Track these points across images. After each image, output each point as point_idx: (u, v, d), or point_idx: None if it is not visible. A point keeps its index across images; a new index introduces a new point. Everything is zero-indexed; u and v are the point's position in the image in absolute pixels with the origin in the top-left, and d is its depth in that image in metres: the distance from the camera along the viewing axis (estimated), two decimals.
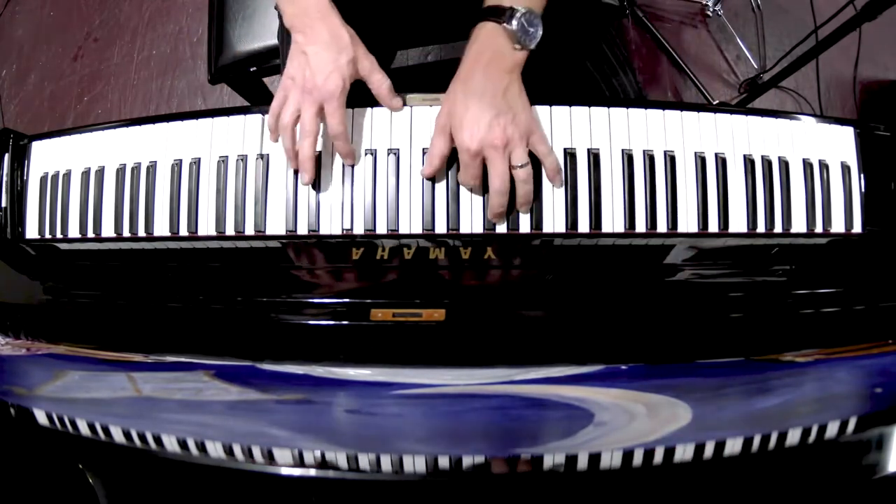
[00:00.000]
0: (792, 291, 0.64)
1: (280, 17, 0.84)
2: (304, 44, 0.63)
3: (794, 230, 0.67)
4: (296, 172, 0.67)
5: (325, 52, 0.63)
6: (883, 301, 0.63)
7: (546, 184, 0.67)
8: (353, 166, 0.68)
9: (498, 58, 0.61)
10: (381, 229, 0.67)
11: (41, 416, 0.50)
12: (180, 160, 0.71)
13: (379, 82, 0.66)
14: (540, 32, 0.61)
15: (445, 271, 0.64)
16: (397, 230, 0.67)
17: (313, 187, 0.68)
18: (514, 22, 0.60)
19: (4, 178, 0.75)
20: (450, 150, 0.64)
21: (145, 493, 0.45)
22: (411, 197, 0.67)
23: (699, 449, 0.44)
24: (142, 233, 0.71)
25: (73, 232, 0.73)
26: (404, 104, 0.68)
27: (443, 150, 0.64)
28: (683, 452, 0.43)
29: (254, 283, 0.67)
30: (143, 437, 0.47)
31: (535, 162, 0.65)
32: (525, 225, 0.67)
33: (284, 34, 0.83)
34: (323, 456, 0.45)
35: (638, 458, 0.43)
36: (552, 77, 0.83)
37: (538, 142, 0.64)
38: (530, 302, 0.63)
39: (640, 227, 0.67)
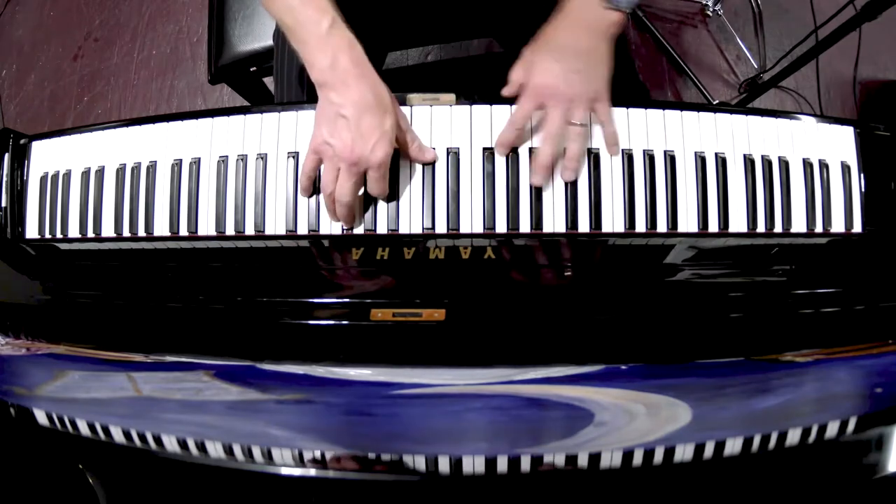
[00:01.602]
0: (792, 291, 0.64)
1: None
2: (341, 106, 0.58)
3: (794, 230, 0.67)
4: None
5: (368, 118, 0.58)
6: (883, 301, 0.62)
7: (546, 184, 0.67)
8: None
9: (585, 16, 0.60)
10: (381, 229, 0.67)
11: (41, 416, 0.50)
12: (180, 160, 0.71)
13: (411, 140, 0.64)
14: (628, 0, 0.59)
15: (445, 271, 0.64)
16: (397, 230, 0.67)
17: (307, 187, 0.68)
18: None
19: (4, 178, 0.75)
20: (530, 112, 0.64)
21: (145, 493, 0.45)
22: (411, 197, 0.67)
23: (699, 449, 0.44)
24: (142, 233, 0.71)
25: (73, 232, 0.73)
26: (436, 157, 0.66)
27: (527, 112, 0.62)
28: (683, 452, 0.43)
29: (254, 283, 0.67)
30: (143, 437, 0.47)
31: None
32: (525, 225, 0.67)
33: (281, 36, 0.83)
34: (323, 456, 0.45)
35: (638, 458, 0.43)
36: None
37: (601, 108, 0.63)
38: (530, 302, 0.63)
39: (640, 227, 0.67)
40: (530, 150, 0.67)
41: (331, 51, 0.58)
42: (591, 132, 0.66)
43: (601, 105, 0.64)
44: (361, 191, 0.65)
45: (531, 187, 0.67)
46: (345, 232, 0.67)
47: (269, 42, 1.00)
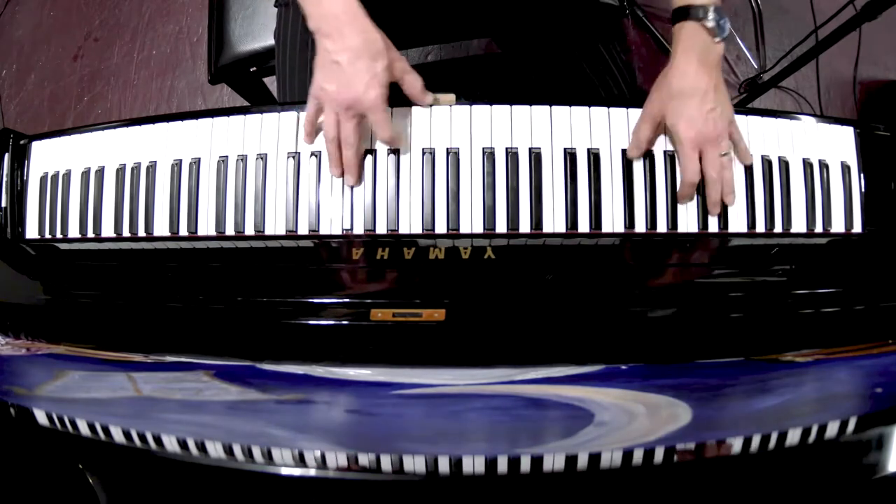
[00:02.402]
0: (792, 291, 0.64)
1: (280, 18, 0.84)
2: (335, 52, 0.61)
3: (793, 230, 0.67)
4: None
5: (359, 61, 0.60)
6: (883, 301, 0.62)
7: (546, 184, 0.67)
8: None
9: (705, 54, 0.63)
10: (381, 229, 0.67)
11: (41, 416, 0.50)
12: (180, 160, 0.71)
13: (412, 83, 0.65)
14: (729, 25, 0.63)
15: (445, 271, 0.64)
16: (397, 230, 0.67)
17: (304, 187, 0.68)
18: (711, 16, 0.62)
19: (4, 178, 0.75)
20: (654, 138, 0.67)
21: (145, 493, 0.45)
22: (411, 197, 0.67)
23: (699, 449, 0.44)
24: (142, 233, 0.71)
25: (73, 232, 0.73)
26: (435, 101, 0.68)
27: (649, 136, 0.66)
28: (683, 452, 0.43)
29: (254, 283, 0.67)
30: (143, 437, 0.47)
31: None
32: (525, 225, 0.67)
33: (281, 35, 0.84)
34: (323, 456, 0.45)
35: (638, 458, 0.43)
36: (552, 77, 0.83)
37: (735, 132, 0.66)
38: (530, 302, 0.63)
39: (640, 227, 0.67)
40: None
41: (324, 0, 0.61)
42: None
43: (734, 128, 0.66)
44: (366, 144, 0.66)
45: (531, 187, 0.67)
46: (344, 232, 0.67)
47: (270, 42, 1.00)
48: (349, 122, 0.63)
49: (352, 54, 0.60)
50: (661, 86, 0.66)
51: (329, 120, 0.64)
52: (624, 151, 0.68)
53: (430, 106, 0.67)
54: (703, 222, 0.67)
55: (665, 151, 0.68)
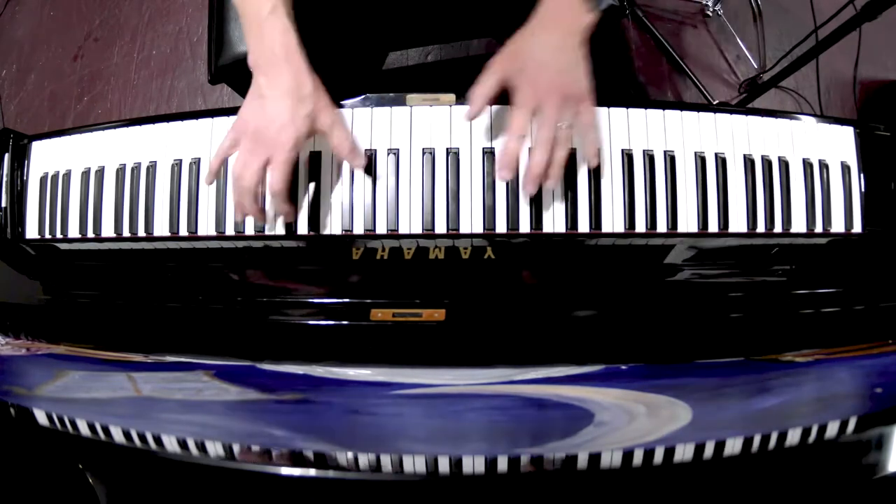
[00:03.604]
0: (792, 291, 0.64)
1: None
2: (265, 87, 0.60)
3: (794, 230, 0.67)
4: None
5: (283, 101, 0.59)
6: (883, 301, 0.63)
7: (546, 184, 0.67)
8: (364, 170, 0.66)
9: (571, 17, 0.61)
10: (381, 229, 0.67)
11: (41, 416, 0.50)
12: (180, 160, 0.71)
13: (340, 137, 0.63)
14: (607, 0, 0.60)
15: (445, 271, 0.64)
16: (397, 230, 0.67)
17: (303, 187, 0.68)
18: None
19: (4, 178, 0.75)
20: (497, 94, 0.62)
21: (145, 493, 0.45)
22: (411, 197, 0.67)
23: (699, 449, 0.44)
24: (142, 233, 0.71)
25: (73, 232, 0.73)
26: (369, 163, 0.65)
27: (490, 92, 0.62)
28: (683, 452, 0.43)
29: (254, 283, 0.67)
30: (143, 437, 0.47)
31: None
32: (525, 225, 0.67)
33: None
34: (323, 456, 0.45)
35: (638, 458, 0.43)
36: None
37: (586, 111, 0.62)
38: (530, 302, 0.63)
39: (640, 227, 0.67)
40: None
41: (265, 36, 0.60)
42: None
43: (586, 106, 0.63)
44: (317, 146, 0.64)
45: None
46: (344, 232, 0.67)
47: None
48: (255, 161, 0.60)
49: (279, 93, 0.59)
50: (511, 41, 0.62)
51: (240, 156, 0.62)
52: (624, 151, 0.68)
53: (360, 168, 0.65)
54: (704, 222, 0.67)
55: (665, 151, 0.68)
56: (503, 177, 0.62)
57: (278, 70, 0.60)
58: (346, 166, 0.68)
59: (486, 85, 0.62)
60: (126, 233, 0.71)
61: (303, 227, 0.68)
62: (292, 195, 0.65)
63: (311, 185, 0.68)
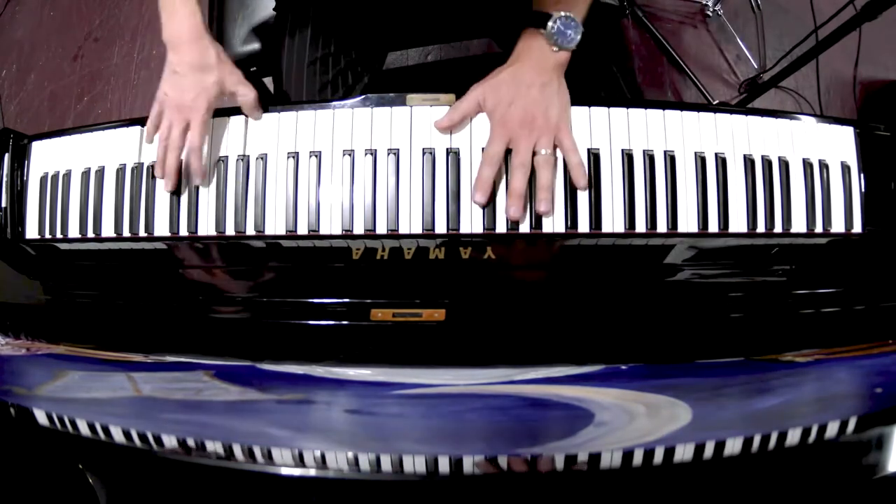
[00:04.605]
0: (792, 291, 0.64)
1: (278, 21, 0.84)
2: (176, 63, 0.69)
3: (794, 230, 0.67)
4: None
5: (192, 74, 0.68)
6: (883, 301, 0.63)
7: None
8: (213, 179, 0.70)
9: (539, 57, 0.66)
10: (381, 229, 0.67)
11: (41, 416, 0.50)
12: (180, 160, 0.71)
13: (244, 94, 0.70)
14: (578, 36, 0.65)
15: (445, 271, 0.64)
16: (397, 230, 0.67)
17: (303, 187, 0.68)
18: (551, 25, 0.65)
19: (4, 178, 0.75)
20: (474, 115, 0.68)
21: (145, 493, 0.45)
22: (411, 197, 0.67)
23: (699, 449, 0.44)
24: (142, 233, 0.71)
25: (73, 232, 0.73)
26: (263, 114, 0.71)
27: (468, 112, 0.68)
28: (683, 452, 0.43)
29: (253, 283, 0.67)
30: (143, 437, 0.47)
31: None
32: (525, 225, 0.67)
33: (279, 38, 0.84)
34: (323, 456, 0.45)
35: (638, 458, 0.43)
36: None
37: (565, 136, 0.66)
38: (530, 302, 0.63)
39: (640, 227, 0.67)
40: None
41: (175, 18, 0.68)
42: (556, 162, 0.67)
43: (564, 135, 0.66)
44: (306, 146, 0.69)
45: (530, 187, 0.67)
46: (344, 232, 0.67)
47: (269, 42, 1.00)
48: (178, 125, 0.68)
49: (187, 67, 0.68)
50: (494, 73, 0.68)
51: (164, 123, 0.70)
52: (624, 151, 0.68)
53: (257, 119, 0.70)
54: (704, 222, 0.67)
55: (665, 151, 0.68)
56: (477, 201, 0.66)
57: (185, 48, 0.68)
58: (346, 167, 0.68)
59: (464, 106, 0.68)
60: (126, 233, 0.71)
61: (303, 227, 0.68)
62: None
63: (315, 186, 0.68)
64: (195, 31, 0.68)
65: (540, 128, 0.65)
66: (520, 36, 0.68)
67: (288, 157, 0.69)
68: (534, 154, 0.66)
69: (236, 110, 0.72)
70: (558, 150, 0.67)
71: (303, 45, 0.81)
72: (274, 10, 0.87)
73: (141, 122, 0.73)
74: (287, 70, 0.83)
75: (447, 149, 0.68)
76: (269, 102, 0.72)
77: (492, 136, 0.66)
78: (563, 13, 0.65)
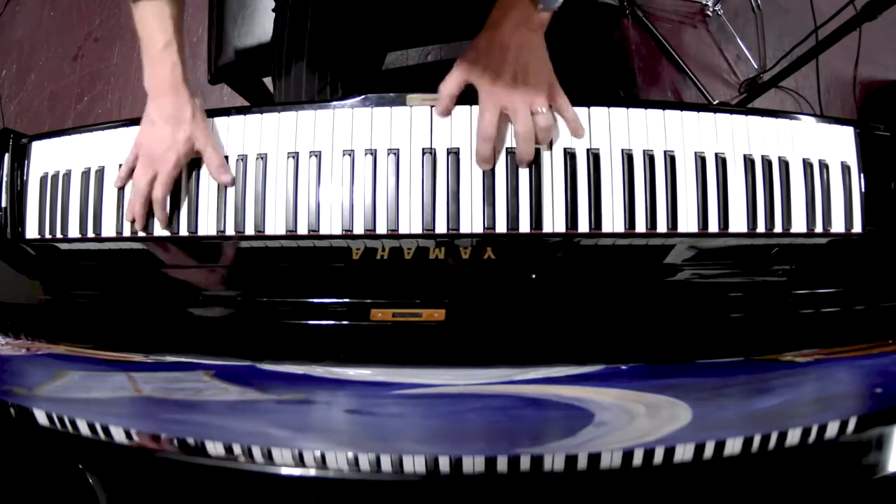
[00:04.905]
0: (792, 291, 0.64)
1: (277, 23, 0.84)
2: (153, 113, 0.69)
3: (794, 230, 0.67)
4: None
5: (166, 127, 0.68)
6: (883, 301, 0.63)
7: (546, 184, 0.67)
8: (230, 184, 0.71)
9: (521, 18, 0.65)
10: (381, 229, 0.67)
11: (41, 416, 0.50)
12: None
13: (209, 156, 0.70)
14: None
15: (445, 271, 0.64)
16: (397, 230, 0.67)
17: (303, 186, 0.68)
18: None
19: (4, 178, 0.75)
20: (461, 91, 0.67)
21: (145, 493, 0.45)
22: (411, 197, 0.67)
23: (699, 449, 0.44)
24: (142, 233, 0.71)
25: (73, 232, 0.73)
26: (233, 181, 0.70)
27: (455, 91, 0.67)
28: (683, 452, 0.43)
29: (253, 283, 0.67)
30: (142, 437, 0.47)
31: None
32: (525, 225, 0.67)
33: (278, 39, 0.84)
34: (323, 456, 0.45)
35: (638, 458, 0.43)
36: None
37: (557, 94, 0.67)
38: (530, 302, 0.63)
39: (640, 227, 0.67)
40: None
41: (156, 68, 0.69)
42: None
43: (556, 90, 0.66)
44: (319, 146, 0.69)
45: (531, 187, 0.67)
46: (344, 232, 0.67)
47: (269, 42, 1.00)
48: (145, 176, 0.69)
49: (162, 119, 0.69)
50: (471, 45, 0.67)
51: (136, 170, 0.70)
52: (624, 151, 0.68)
53: (227, 185, 0.70)
54: (704, 222, 0.67)
55: (665, 151, 0.68)
56: (484, 168, 0.67)
57: (164, 100, 0.69)
58: (346, 167, 0.68)
59: (450, 84, 0.67)
60: (126, 233, 0.71)
61: (303, 227, 0.68)
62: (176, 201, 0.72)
63: (315, 186, 0.68)
64: (174, 83, 0.69)
65: (534, 89, 0.65)
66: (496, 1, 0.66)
67: (288, 157, 0.69)
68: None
69: (236, 110, 0.72)
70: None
71: (302, 45, 0.81)
72: (274, 10, 0.87)
73: (140, 121, 0.73)
74: (287, 70, 0.83)
75: (447, 149, 0.68)
76: (269, 102, 0.72)
77: (482, 105, 0.66)
78: None
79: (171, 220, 0.71)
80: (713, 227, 0.67)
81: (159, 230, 0.71)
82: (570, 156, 0.67)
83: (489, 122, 0.65)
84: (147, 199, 0.69)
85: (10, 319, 0.68)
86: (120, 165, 0.72)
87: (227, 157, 0.70)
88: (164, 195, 0.69)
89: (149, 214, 0.71)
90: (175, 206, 0.71)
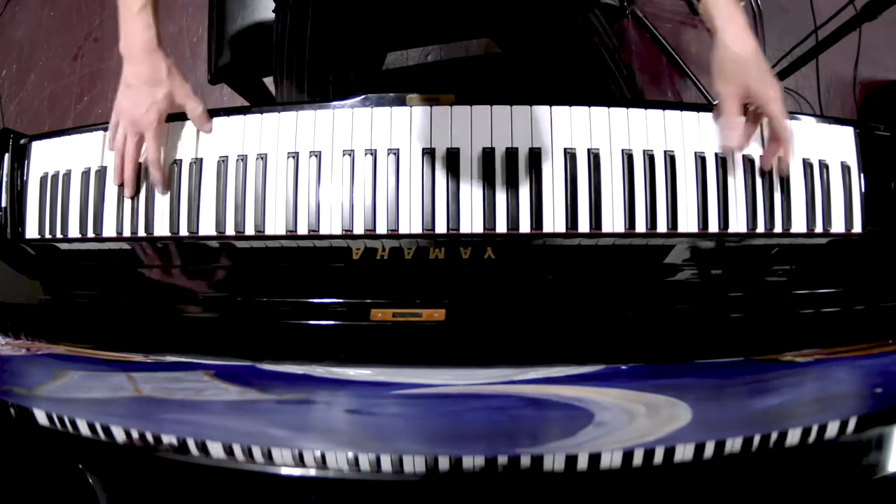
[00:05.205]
0: (792, 291, 0.64)
1: (278, 23, 0.84)
2: (130, 75, 0.70)
3: (794, 230, 0.67)
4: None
5: (144, 87, 0.69)
6: (883, 301, 0.62)
7: (545, 184, 0.67)
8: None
9: (740, 20, 0.66)
10: (381, 229, 0.67)
11: (41, 416, 0.50)
12: (180, 160, 0.71)
13: (192, 108, 0.71)
14: None
15: (445, 271, 0.64)
16: (397, 230, 0.67)
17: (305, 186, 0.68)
18: None
19: (4, 178, 0.75)
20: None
21: (145, 493, 0.45)
22: (411, 197, 0.67)
23: (699, 449, 0.44)
24: (142, 233, 0.71)
25: (73, 232, 0.73)
26: (211, 128, 0.71)
27: (738, 112, 0.67)
28: (683, 452, 0.43)
29: (253, 283, 0.67)
30: (143, 437, 0.47)
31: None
32: (525, 225, 0.67)
33: (279, 39, 0.84)
34: (323, 456, 0.45)
35: (638, 458, 0.43)
36: (552, 77, 0.83)
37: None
38: (530, 302, 0.63)
39: (640, 227, 0.67)
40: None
41: (131, 30, 0.69)
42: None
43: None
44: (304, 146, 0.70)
45: (531, 187, 0.67)
46: (344, 232, 0.67)
47: (269, 42, 1.00)
48: (132, 137, 0.70)
49: (139, 80, 0.69)
50: (729, 60, 0.66)
51: (119, 133, 0.71)
52: (624, 151, 0.68)
53: (210, 131, 0.71)
54: (703, 222, 0.67)
55: (665, 151, 0.68)
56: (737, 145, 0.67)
57: (139, 61, 0.69)
58: (346, 167, 0.68)
59: (733, 111, 0.66)
60: (126, 233, 0.71)
61: (303, 227, 0.68)
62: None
63: (315, 186, 0.68)
64: (148, 44, 0.69)
65: (777, 84, 0.66)
66: (711, 10, 0.66)
67: (288, 157, 0.69)
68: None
69: (236, 110, 0.72)
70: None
71: (303, 45, 0.81)
72: (274, 10, 0.87)
73: None
74: (287, 70, 0.83)
75: (447, 149, 0.68)
76: (269, 102, 0.72)
77: (775, 114, 0.66)
78: None
79: (167, 180, 0.71)
80: (713, 227, 0.67)
81: (159, 230, 0.71)
82: (570, 156, 0.67)
83: (783, 122, 0.66)
84: (135, 161, 0.70)
85: (10, 319, 0.68)
86: None
87: (226, 157, 0.70)
88: (157, 154, 0.70)
89: (138, 179, 0.71)
90: (175, 206, 0.71)
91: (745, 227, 0.67)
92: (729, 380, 0.59)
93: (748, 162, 0.68)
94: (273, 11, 0.88)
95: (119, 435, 0.48)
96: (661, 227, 0.67)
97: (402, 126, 0.69)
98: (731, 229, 0.67)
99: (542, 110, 0.68)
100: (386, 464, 0.44)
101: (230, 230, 0.69)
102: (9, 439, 0.49)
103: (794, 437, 0.45)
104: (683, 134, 0.68)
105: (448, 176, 0.67)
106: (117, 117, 0.71)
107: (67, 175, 0.74)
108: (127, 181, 0.71)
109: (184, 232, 0.70)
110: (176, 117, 0.72)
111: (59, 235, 0.73)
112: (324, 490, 0.43)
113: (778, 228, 0.67)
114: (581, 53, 0.78)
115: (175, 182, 0.71)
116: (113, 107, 0.72)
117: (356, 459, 0.44)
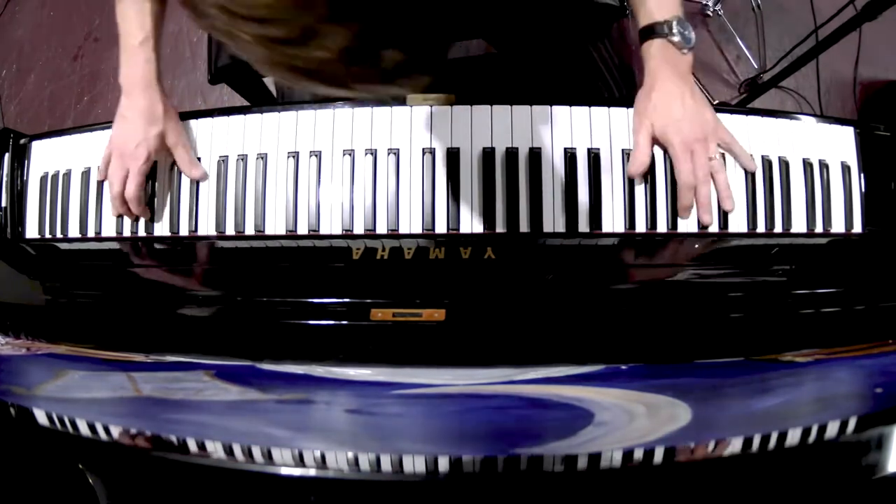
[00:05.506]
0: (792, 291, 0.64)
1: None
2: (125, 108, 0.70)
3: (794, 230, 0.67)
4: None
5: (138, 122, 0.69)
6: (883, 301, 0.62)
7: (546, 184, 0.67)
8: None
9: (676, 66, 0.66)
10: (381, 229, 0.67)
11: (41, 416, 0.50)
12: None
13: (180, 154, 0.70)
14: (693, 34, 0.66)
15: (445, 271, 0.64)
16: (397, 230, 0.67)
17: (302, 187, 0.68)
18: (675, 30, 0.65)
19: (4, 178, 0.75)
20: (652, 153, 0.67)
21: (145, 493, 0.45)
22: (411, 197, 0.67)
23: (699, 449, 0.44)
24: (142, 233, 0.71)
25: (73, 232, 0.73)
26: (204, 175, 0.71)
27: (649, 147, 0.67)
28: (683, 452, 0.43)
29: (253, 283, 0.67)
30: (143, 437, 0.47)
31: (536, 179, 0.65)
32: (525, 225, 0.67)
33: None
34: (323, 456, 0.45)
35: (638, 458, 0.43)
36: (553, 77, 0.83)
37: (724, 134, 0.67)
38: (530, 302, 0.63)
39: (641, 226, 0.67)
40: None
41: (131, 63, 0.69)
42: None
43: (722, 131, 0.67)
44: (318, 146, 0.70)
45: (531, 187, 0.67)
46: (345, 232, 0.68)
47: None
48: (119, 171, 0.69)
49: (135, 114, 0.69)
50: (644, 102, 0.67)
51: (110, 166, 0.71)
52: (624, 151, 0.68)
53: (199, 180, 0.70)
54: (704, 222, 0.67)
55: (665, 152, 0.68)
56: (684, 217, 0.67)
57: (137, 95, 0.69)
58: (346, 167, 0.68)
59: (643, 144, 0.67)
60: (126, 233, 0.71)
61: (303, 227, 0.68)
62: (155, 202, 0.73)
63: (315, 186, 0.68)
64: (147, 79, 0.69)
65: (709, 134, 0.66)
66: (644, 52, 0.67)
67: (288, 157, 0.69)
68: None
69: (236, 110, 0.72)
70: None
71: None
72: None
73: None
74: None
75: (447, 149, 0.68)
76: (269, 102, 0.72)
77: (676, 159, 0.66)
78: (673, 15, 0.65)
79: (153, 217, 0.71)
80: (713, 227, 0.67)
81: (159, 230, 0.71)
82: (570, 156, 0.67)
83: (688, 174, 0.65)
84: (121, 193, 0.70)
85: (10, 319, 0.68)
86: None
87: (226, 157, 0.70)
88: (137, 191, 0.69)
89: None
90: (175, 206, 0.71)
91: (746, 227, 0.67)
92: (729, 380, 0.59)
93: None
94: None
95: (119, 435, 0.48)
96: (662, 227, 0.67)
97: (403, 126, 0.69)
98: (731, 229, 0.67)
99: (542, 110, 0.68)
100: (386, 464, 0.44)
101: (230, 230, 0.69)
102: (9, 439, 0.49)
103: (794, 437, 0.45)
104: None
105: (448, 176, 0.67)
106: (109, 149, 0.71)
107: (67, 175, 0.74)
108: (124, 213, 0.71)
109: (184, 232, 0.70)
110: (179, 116, 0.72)
111: (59, 235, 0.73)
112: (323, 490, 0.43)
113: (778, 228, 0.67)
114: (581, 52, 0.78)
115: (175, 182, 0.71)
116: (112, 107, 0.71)
117: (356, 459, 0.44)
